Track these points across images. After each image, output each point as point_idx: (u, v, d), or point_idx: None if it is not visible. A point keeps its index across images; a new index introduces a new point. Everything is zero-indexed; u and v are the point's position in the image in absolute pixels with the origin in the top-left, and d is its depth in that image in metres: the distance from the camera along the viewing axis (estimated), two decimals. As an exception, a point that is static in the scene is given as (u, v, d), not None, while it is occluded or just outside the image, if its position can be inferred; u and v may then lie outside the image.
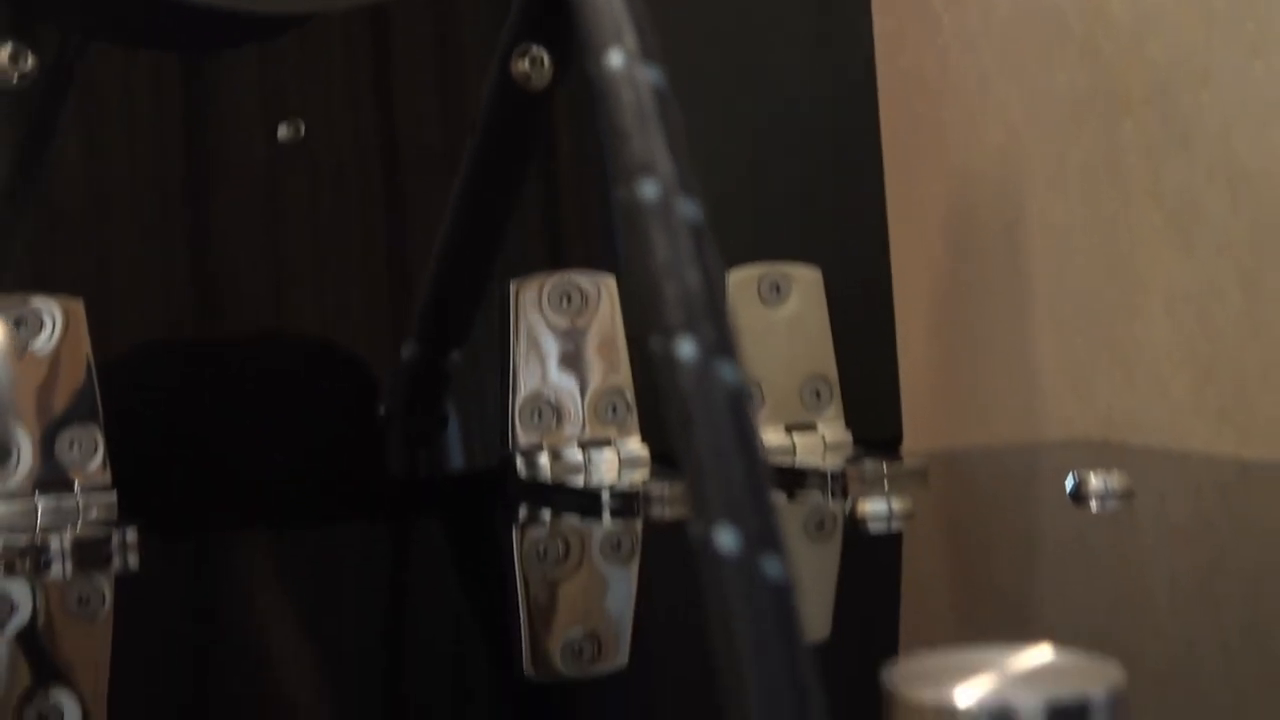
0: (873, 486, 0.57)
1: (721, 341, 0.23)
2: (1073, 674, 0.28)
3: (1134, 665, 0.26)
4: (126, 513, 0.55)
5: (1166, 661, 0.39)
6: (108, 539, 0.53)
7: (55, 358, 0.57)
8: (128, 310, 0.65)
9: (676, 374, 0.22)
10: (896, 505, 0.53)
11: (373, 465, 0.65)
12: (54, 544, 0.53)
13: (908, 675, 0.28)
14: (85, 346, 0.57)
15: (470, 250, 0.64)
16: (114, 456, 0.56)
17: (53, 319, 0.57)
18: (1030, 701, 0.26)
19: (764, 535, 0.22)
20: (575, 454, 0.62)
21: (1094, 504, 0.55)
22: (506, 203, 0.63)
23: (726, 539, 0.22)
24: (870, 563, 0.51)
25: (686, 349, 0.22)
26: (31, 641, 0.42)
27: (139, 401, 0.64)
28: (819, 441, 0.65)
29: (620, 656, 0.37)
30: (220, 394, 0.65)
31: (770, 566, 0.22)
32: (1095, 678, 0.27)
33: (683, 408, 0.22)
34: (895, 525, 0.53)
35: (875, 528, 0.52)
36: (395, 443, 0.64)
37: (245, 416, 0.65)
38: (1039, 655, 0.28)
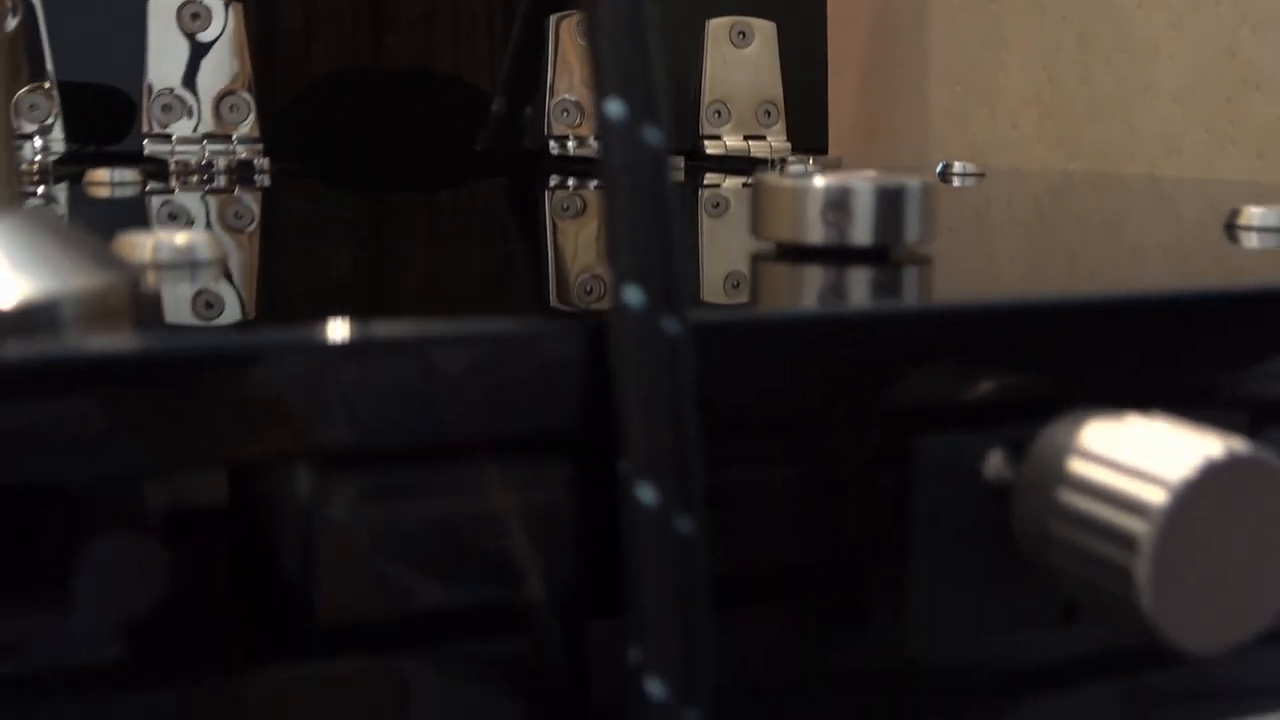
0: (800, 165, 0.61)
1: None
2: (898, 177, 0.33)
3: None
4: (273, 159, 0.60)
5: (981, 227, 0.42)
6: (252, 163, 0.57)
7: (222, 44, 0.60)
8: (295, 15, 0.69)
9: None
10: (811, 168, 0.57)
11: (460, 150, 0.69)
12: (216, 164, 0.57)
13: (774, 176, 0.32)
14: (243, 37, 0.61)
15: (540, 31, 0.67)
16: (264, 119, 0.60)
17: (223, 13, 0.60)
18: (863, 184, 0.31)
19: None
20: (594, 144, 0.66)
21: (956, 181, 0.59)
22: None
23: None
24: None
25: None
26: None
27: (292, 80, 0.67)
28: (767, 147, 0.70)
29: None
30: (363, 90, 0.69)
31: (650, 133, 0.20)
32: (914, 179, 0.32)
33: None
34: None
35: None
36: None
37: (375, 110, 0.69)
38: (874, 172, 0.33)
